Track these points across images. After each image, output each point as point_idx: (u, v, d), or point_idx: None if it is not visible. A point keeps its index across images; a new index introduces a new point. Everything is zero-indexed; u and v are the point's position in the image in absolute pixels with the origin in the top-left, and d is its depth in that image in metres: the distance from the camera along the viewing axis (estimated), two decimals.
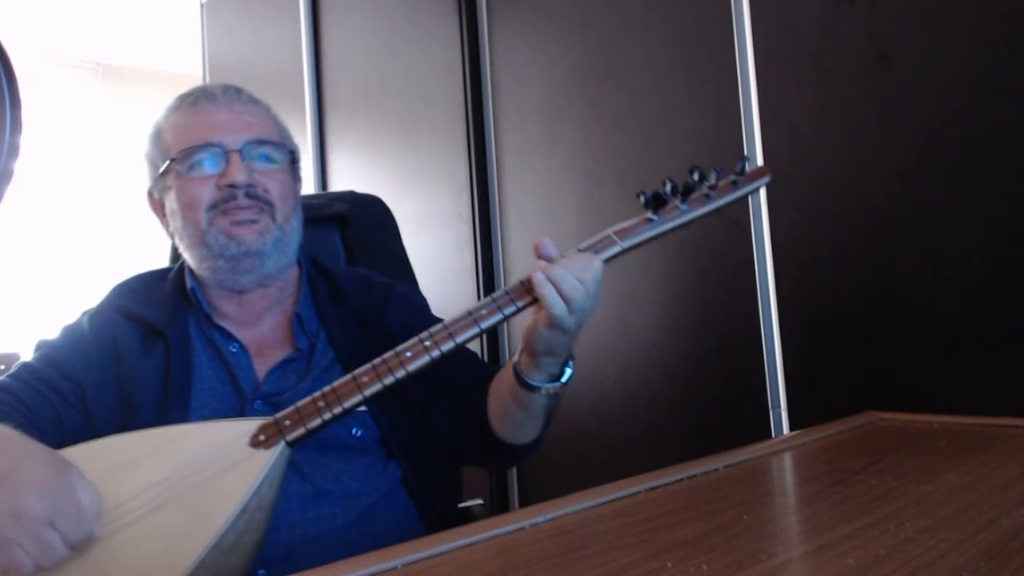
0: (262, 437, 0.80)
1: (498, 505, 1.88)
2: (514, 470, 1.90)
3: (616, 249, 0.86)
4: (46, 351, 0.98)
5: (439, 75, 2.02)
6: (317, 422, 0.80)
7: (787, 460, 0.90)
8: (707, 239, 1.48)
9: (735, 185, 0.89)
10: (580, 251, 0.86)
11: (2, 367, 1.01)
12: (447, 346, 0.82)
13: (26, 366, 0.96)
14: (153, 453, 0.79)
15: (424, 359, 0.82)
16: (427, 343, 0.82)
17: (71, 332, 1.00)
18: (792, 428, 1.36)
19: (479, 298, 1.90)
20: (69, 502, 0.71)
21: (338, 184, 2.38)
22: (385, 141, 2.21)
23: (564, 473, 1.75)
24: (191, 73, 4.12)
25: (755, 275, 1.41)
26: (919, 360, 1.20)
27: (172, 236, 1.01)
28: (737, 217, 1.42)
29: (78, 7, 4.05)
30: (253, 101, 1.02)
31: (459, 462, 1.10)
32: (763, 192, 1.39)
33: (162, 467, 0.78)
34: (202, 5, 2.96)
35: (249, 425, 0.81)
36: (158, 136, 1.00)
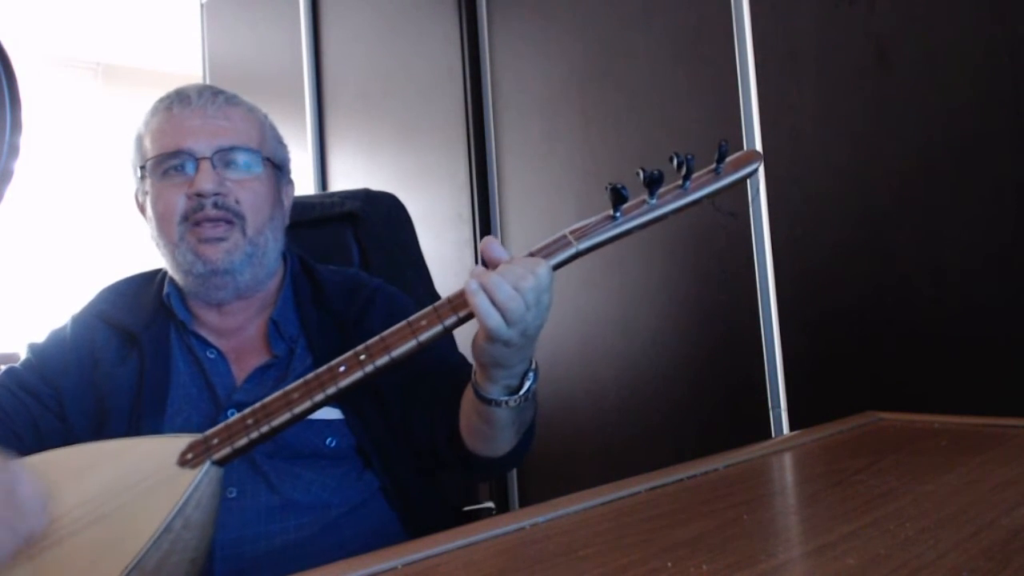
0: (189, 456, 0.77)
1: (498, 505, 1.88)
2: (514, 470, 1.90)
3: (571, 251, 0.78)
4: (31, 355, 0.98)
5: (439, 75, 2.02)
6: (244, 441, 0.77)
7: (787, 460, 0.90)
8: (707, 239, 1.48)
9: (716, 175, 0.79)
10: (531, 254, 0.78)
11: (2, 367, 1.02)
12: (382, 361, 0.76)
13: (10, 371, 0.97)
14: (89, 469, 0.78)
15: (357, 374, 0.77)
16: (362, 357, 0.77)
17: (55, 336, 1.00)
18: (792, 428, 1.36)
19: None
20: (8, 503, 0.70)
21: (338, 184, 2.38)
22: (385, 141, 2.21)
23: (564, 473, 1.75)
24: (191, 73, 4.11)
25: (755, 275, 1.41)
26: (919, 360, 1.20)
27: (151, 239, 1.00)
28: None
29: (78, 7, 4.05)
30: (231, 103, 0.98)
31: (440, 471, 1.05)
32: (763, 192, 1.39)
33: (95, 484, 0.76)
34: (202, 5, 2.96)
35: (180, 442, 0.78)
36: (139, 141, 0.99)
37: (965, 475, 0.73)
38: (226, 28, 2.86)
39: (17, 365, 0.98)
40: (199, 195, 0.92)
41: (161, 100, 0.98)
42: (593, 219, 0.79)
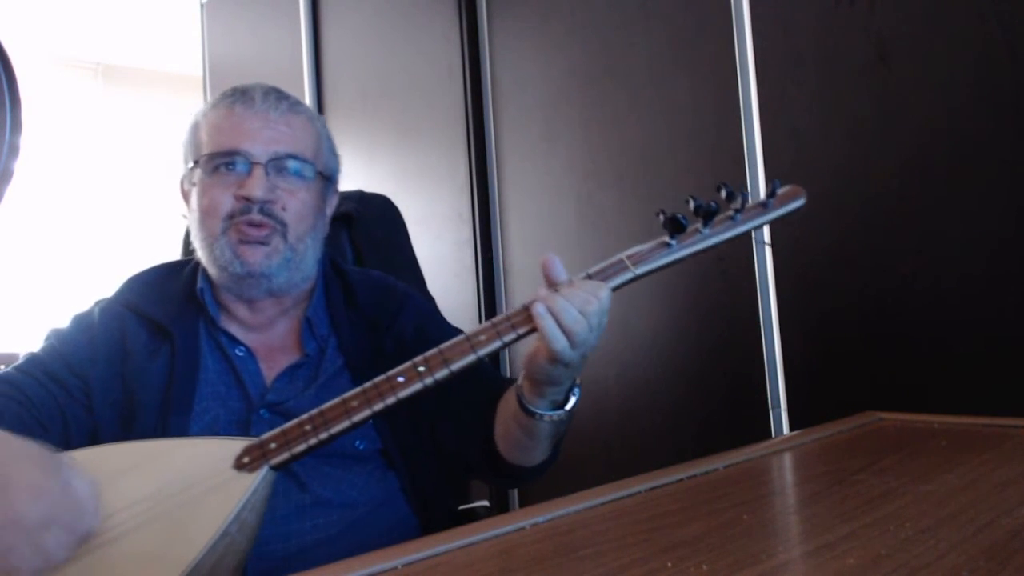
0: (246, 460, 0.77)
1: (498, 505, 1.88)
2: None
3: (628, 276, 0.82)
4: (55, 342, 0.96)
5: (439, 75, 2.02)
6: (302, 447, 0.78)
7: (787, 460, 0.90)
8: None
9: (765, 208, 0.84)
10: (589, 276, 0.81)
11: (2, 366, 1.00)
12: (441, 373, 0.79)
13: (33, 359, 0.94)
14: (136, 468, 0.77)
15: (416, 386, 0.78)
16: (421, 369, 0.79)
17: (81, 323, 0.98)
18: (792, 428, 1.36)
19: (479, 298, 1.91)
20: (64, 501, 0.69)
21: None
22: (385, 141, 2.21)
23: (564, 473, 1.75)
24: (191, 73, 4.11)
25: (755, 275, 1.41)
26: (919, 360, 1.20)
27: (189, 229, 1.00)
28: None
29: (78, 7, 4.05)
30: (293, 111, 0.99)
31: (465, 475, 1.07)
32: (763, 192, 1.39)
33: (144, 484, 0.76)
34: (202, 5, 2.96)
35: (235, 446, 0.78)
36: (195, 130, 0.99)
37: (965, 475, 0.73)
38: (226, 28, 2.86)
39: (40, 352, 0.95)
40: (247, 199, 0.92)
41: (224, 95, 0.98)
42: (648, 245, 0.82)
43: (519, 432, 0.89)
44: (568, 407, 0.85)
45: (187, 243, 1.24)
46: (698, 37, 1.50)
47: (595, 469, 1.68)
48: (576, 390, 0.86)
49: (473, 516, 1.12)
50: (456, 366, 0.79)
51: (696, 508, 0.68)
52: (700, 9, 1.49)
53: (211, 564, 0.72)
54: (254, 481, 0.76)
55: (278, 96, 0.99)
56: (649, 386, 1.58)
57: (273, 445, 0.78)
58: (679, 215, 0.79)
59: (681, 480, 0.79)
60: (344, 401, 0.79)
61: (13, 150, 0.85)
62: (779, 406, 1.38)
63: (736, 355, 1.43)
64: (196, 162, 0.96)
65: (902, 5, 1.22)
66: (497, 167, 1.91)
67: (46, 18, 4.15)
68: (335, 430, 0.78)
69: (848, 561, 0.52)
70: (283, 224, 0.94)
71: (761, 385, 1.40)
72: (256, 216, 0.93)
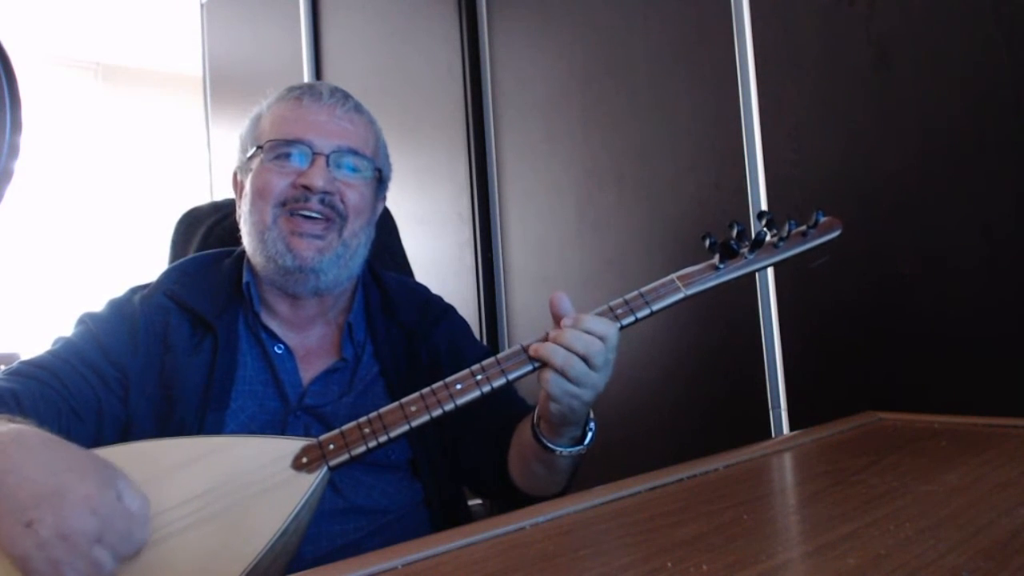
0: (305, 460, 0.78)
1: (498, 505, 1.88)
2: None
3: (679, 296, 0.85)
4: (92, 327, 0.93)
5: (439, 75, 2.02)
6: (361, 449, 0.79)
7: (787, 460, 0.90)
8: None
9: (804, 236, 0.89)
10: (641, 295, 0.84)
11: (2, 367, 0.99)
12: (499, 382, 0.81)
13: (69, 344, 0.91)
14: (193, 463, 0.77)
15: (474, 393, 0.80)
16: (478, 377, 0.81)
17: (119, 310, 0.96)
18: (792, 428, 1.36)
19: (479, 298, 1.91)
20: (118, 515, 0.67)
21: None
22: (385, 141, 2.20)
23: None
24: (191, 73, 4.11)
25: (755, 275, 1.41)
26: (919, 360, 1.20)
27: (239, 219, 1.00)
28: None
29: (78, 7, 4.05)
30: (358, 110, 1.01)
31: (479, 495, 1.09)
32: (763, 191, 1.39)
33: (202, 480, 0.76)
34: (202, 5, 2.96)
35: (292, 445, 0.79)
36: (257, 121, 0.99)
37: (965, 475, 0.73)
38: (226, 28, 2.86)
39: (75, 338, 0.92)
40: (307, 188, 0.92)
41: (291, 89, 0.99)
42: (698, 267, 0.86)
43: (539, 467, 0.91)
44: (586, 442, 0.88)
45: (175, 245, 1.23)
46: (698, 37, 1.50)
47: (595, 469, 1.68)
48: (592, 423, 0.88)
49: (470, 514, 1.12)
50: (513, 375, 0.81)
51: (696, 508, 0.68)
52: (700, 9, 1.49)
53: (269, 562, 0.73)
54: (313, 481, 0.77)
55: (344, 95, 1.01)
56: (649, 386, 1.58)
57: (332, 446, 0.79)
58: (731, 241, 0.84)
59: (681, 480, 0.79)
60: (402, 406, 0.80)
61: (13, 150, 0.85)
62: (779, 406, 1.38)
63: (736, 355, 1.43)
64: (258, 148, 0.96)
65: (902, 5, 1.22)
66: (497, 167, 1.91)
67: (45, 18, 4.15)
68: (394, 433, 0.79)
69: (848, 561, 0.52)
70: (343, 217, 0.95)
71: (761, 385, 1.40)
72: (316, 206, 0.93)
